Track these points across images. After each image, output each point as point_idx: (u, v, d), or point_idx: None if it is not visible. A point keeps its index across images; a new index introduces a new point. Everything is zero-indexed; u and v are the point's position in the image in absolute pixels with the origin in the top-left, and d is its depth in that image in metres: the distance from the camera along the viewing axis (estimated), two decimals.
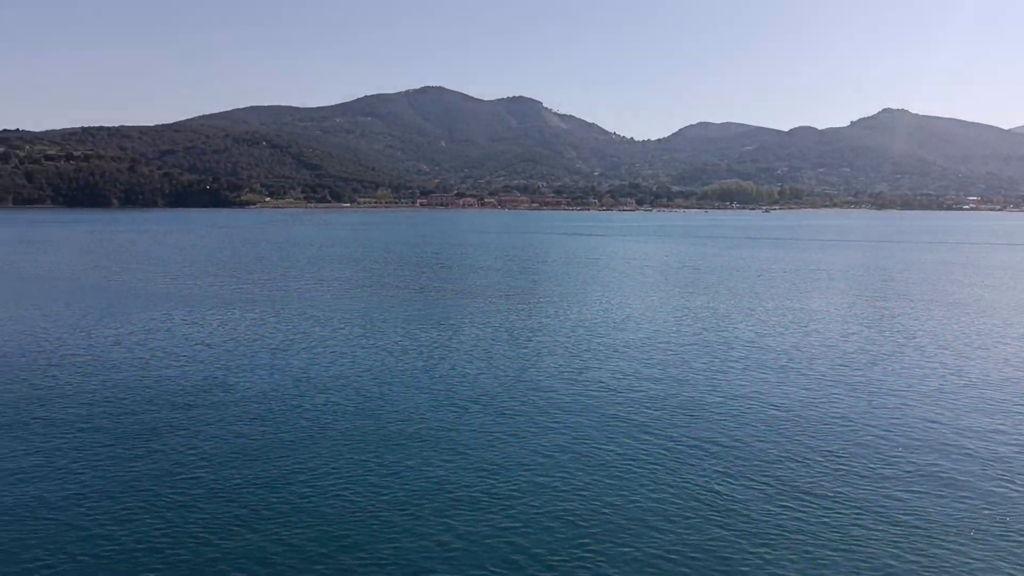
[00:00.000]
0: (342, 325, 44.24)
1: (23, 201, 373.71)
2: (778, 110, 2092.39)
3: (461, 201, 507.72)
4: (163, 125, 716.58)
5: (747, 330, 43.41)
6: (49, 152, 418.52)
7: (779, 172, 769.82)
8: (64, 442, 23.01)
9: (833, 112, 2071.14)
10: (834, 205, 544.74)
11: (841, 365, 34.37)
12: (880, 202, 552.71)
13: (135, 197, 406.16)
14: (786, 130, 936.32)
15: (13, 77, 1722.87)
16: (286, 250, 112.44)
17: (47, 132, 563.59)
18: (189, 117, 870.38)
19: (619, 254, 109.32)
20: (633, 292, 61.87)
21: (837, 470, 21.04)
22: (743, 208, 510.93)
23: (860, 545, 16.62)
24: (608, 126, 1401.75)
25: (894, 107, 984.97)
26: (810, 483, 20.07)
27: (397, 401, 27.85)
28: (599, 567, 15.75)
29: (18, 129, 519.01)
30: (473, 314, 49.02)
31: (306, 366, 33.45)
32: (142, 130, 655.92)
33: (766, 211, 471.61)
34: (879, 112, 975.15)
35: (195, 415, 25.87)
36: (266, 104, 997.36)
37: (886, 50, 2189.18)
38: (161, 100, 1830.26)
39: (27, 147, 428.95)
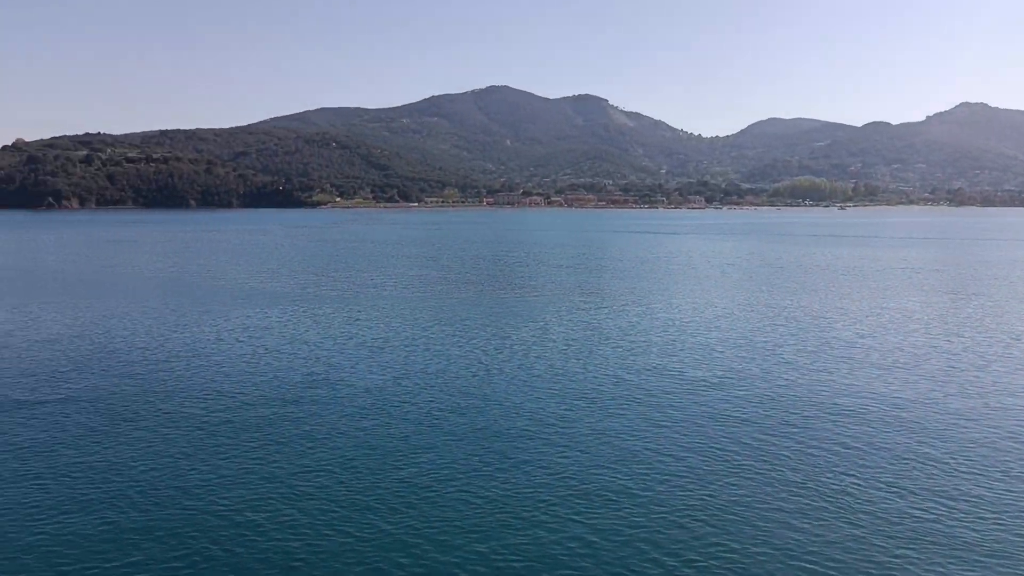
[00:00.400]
0: (434, 322, 44.72)
1: (106, 202, 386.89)
2: (850, 105, 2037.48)
3: (527, 200, 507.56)
4: (236, 127, 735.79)
5: (845, 329, 42.50)
6: (130, 155, 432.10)
7: (852, 169, 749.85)
8: (181, 435, 23.79)
9: (908, 106, 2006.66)
10: (910, 202, 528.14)
11: (950, 366, 33.40)
12: (958, 199, 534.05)
13: (211, 198, 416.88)
14: (859, 125, 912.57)
15: (94, 81, 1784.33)
16: (366, 249, 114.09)
17: (127, 135, 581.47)
18: (261, 119, 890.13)
19: (698, 253, 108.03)
20: (721, 291, 61.08)
21: (969, 471, 20.47)
22: (816, 205, 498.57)
23: (1004, 547, 16.15)
24: (675, 123, 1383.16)
25: (972, 101, 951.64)
26: (938, 482, 19.56)
27: (503, 397, 28.03)
28: (728, 562, 15.62)
29: (100, 132, 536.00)
30: (561, 312, 49.00)
31: (406, 363, 33.90)
32: (216, 132, 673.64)
33: (841, 208, 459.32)
34: (956, 106, 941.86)
35: (307, 410, 26.44)
36: (335, 106, 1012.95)
37: (963, 43, 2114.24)
38: (234, 103, 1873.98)
39: (108, 150, 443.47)
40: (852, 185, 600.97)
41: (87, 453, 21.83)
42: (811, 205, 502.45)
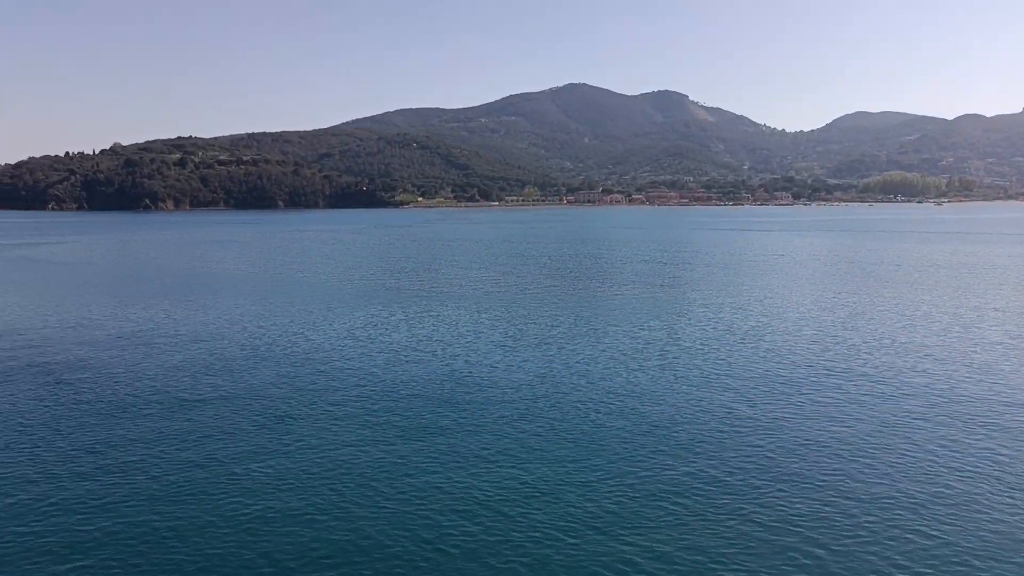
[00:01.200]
0: (558, 322, 44.09)
1: (199, 203, 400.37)
2: (941, 97, 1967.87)
3: (608, 198, 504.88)
4: (319, 129, 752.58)
5: (991, 329, 40.33)
6: (221, 157, 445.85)
7: (944, 163, 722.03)
8: (336, 436, 23.68)
9: (1003, 97, 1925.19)
10: (1008, 197, 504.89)
11: None
12: None
13: (298, 198, 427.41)
14: (951, 118, 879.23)
15: (184, 86, 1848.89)
16: (471, 247, 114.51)
17: (216, 138, 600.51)
18: (343, 122, 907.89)
19: (805, 250, 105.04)
20: (845, 289, 58.87)
21: None
22: (908, 201, 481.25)
23: None
24: (757, 118, 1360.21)
25: None
26: None
27: (654, 399, 27.19)
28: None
29: (191, 136, 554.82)
30: (691, 310, 47.83)
31: (546, 363, 33.28)
32: (301, 135, 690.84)
33: (938, 204, 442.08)
34: None
35: (458, 412, 26.06)
36: (414, 107, 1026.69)
37: None
38: (317, 106, 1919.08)
39: (200, 152, 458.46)
40: (946, 180, 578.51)
41: (260, 447, 21.93)
42: (903, 201, 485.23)
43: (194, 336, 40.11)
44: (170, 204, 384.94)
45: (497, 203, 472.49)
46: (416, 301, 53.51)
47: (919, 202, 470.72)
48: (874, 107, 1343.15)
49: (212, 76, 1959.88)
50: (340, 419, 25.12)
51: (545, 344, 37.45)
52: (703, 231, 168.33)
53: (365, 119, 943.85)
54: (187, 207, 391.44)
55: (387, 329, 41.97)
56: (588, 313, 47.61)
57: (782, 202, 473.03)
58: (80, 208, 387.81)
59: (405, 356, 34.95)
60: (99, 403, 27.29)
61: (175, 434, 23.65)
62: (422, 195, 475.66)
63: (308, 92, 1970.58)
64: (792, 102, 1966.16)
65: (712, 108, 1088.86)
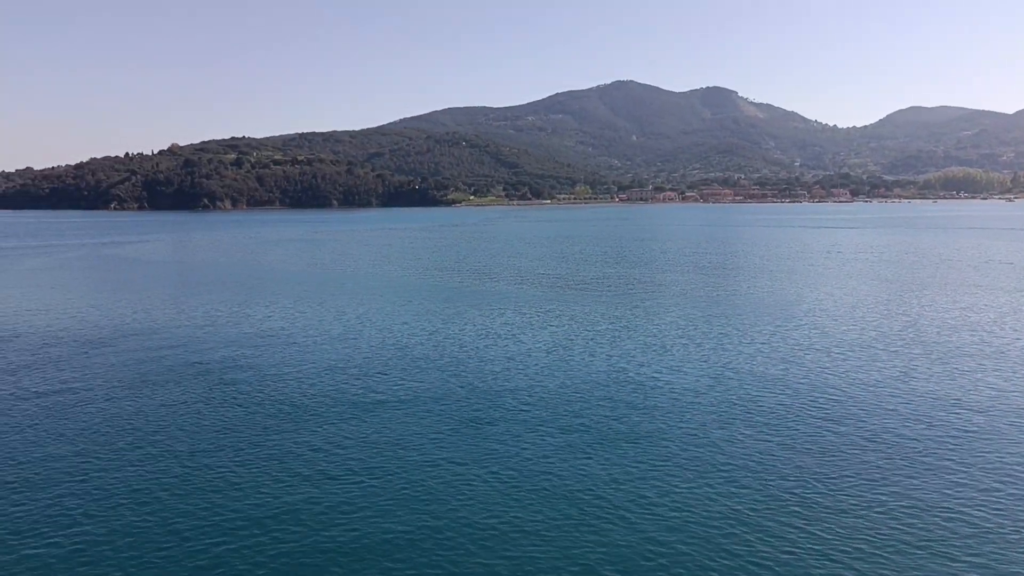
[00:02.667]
0: (652, 322, 43.01)
1: (255, 203, 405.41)
2: (1001, 90, 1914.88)
3: (661, 196, 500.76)
4: (369, 129, 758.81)
5: None
6: (276, 157, 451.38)
7: (1005, 158, 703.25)
8: (533, 442, 22.92)
9: None
10: None
11: None
12: None
13: (352, 197, 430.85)
14: (1011, 112, 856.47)
15: (236, 88, 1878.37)
16: (545, 246, 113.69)
17: (268, 138, 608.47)
18: (391, 121, 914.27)
19: (891, 247, 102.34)
20: (947, 289, 56.85)
21: None
22: (973, 197, 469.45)
23: None
24: (808, 114, 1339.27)
25: None
26: None
27: (746, 405, 26.01)
28: None
29: (244, 136, 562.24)
30: (775, 311, 46.40)
31: (680, 357, 32.30)
32: (352, 134, 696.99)
33: (1010, 200, 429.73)
34: None
35: (648, 419, 25.18)
36: (461, 105, 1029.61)
37: None
38: (366, 105, 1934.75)
39: (256, 153, 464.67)
40: (1010, 176, 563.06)
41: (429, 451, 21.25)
42: (967, 197, 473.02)
43: (333, 335, 39.74)
44: (228, 203, 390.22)
45: (549, 201, 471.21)
46: (515, 302, 52.76)
47: (983, 198, 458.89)
48: (929, 101, 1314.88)
49: (262, 76, 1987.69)
50: (538, 425, 24.35)
51: (670, 341, 36.36)
52: (773, 228, 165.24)
53: (413, 118, 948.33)
54: (244, 207, 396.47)
55: (500, 328, 41.26)
56: (682, 311, 46.38)
57: (842, 199, 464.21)
58: (141, 208, 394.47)
59: (575, 360, 34.14)
60: (273, 404, 26.86)
61: (365, 438, 23.06)
62: (474, 193, 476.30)
63: (356, 92, 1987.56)
64: (843, 97, 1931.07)
65: (762, 104, 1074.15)
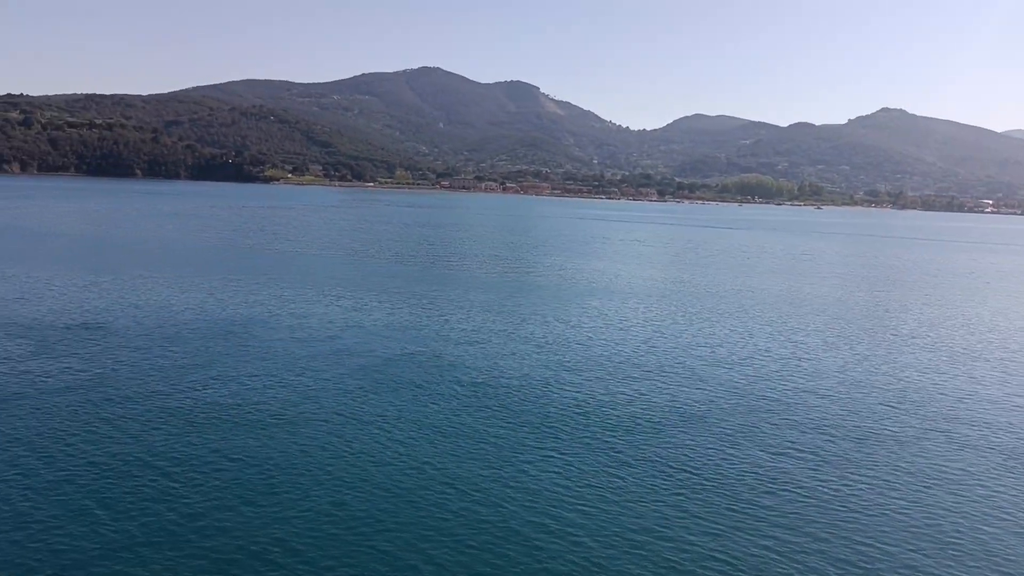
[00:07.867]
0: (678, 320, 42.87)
1: (48, 168, 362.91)
2: (773, 105, 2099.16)
3: (483, 185, 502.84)
4: (161, 95, 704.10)
5: None
6: (71, 119, 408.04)
7: (780, 167, 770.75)
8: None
9: (830, 109, 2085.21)
10: (854, 203, 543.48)
11: None
12: (901, 202, 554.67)
13: (158, 168, 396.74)
14: (784, 125, 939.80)
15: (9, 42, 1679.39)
16: (448, 234, 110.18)
17: (49, 97, 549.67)
18: (183, 88, 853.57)
19: (838, 252, 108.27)
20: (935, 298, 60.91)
21: None
22: (768, 202, 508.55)
23: None
24: (604, 114, 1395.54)
25: (892, 107, 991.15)
26: None
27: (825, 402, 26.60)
28: None
29: (22, 93, 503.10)
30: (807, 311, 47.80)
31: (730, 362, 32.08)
32: (144, 99, 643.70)
33: (818, 208, 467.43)
34: (877, 111, 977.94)
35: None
36: (260, 78, 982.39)
37: (884, 48, 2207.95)
38: (151, 69, 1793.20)
39: (48, 113, 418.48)
40: (798, 184, 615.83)
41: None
42: (762, 202, 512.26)
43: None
44: (16, 167, 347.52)
45: (372, 185, 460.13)
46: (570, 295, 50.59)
47: (777, 204, 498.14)
48: (711, 110, 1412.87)
49: (41, 29, 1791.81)
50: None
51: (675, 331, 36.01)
52: (654, 225, 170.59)
53: (209, 87, 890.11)
54: (35, 171, 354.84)
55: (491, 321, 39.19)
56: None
57: (652, 199, 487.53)
58: None
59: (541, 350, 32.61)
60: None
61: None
62: (292, 171, 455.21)
63: (142, 55, 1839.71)
64: (635, 101, 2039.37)
65: (562, 102, 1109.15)
